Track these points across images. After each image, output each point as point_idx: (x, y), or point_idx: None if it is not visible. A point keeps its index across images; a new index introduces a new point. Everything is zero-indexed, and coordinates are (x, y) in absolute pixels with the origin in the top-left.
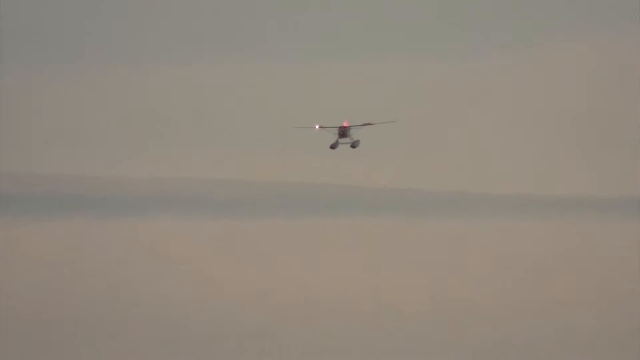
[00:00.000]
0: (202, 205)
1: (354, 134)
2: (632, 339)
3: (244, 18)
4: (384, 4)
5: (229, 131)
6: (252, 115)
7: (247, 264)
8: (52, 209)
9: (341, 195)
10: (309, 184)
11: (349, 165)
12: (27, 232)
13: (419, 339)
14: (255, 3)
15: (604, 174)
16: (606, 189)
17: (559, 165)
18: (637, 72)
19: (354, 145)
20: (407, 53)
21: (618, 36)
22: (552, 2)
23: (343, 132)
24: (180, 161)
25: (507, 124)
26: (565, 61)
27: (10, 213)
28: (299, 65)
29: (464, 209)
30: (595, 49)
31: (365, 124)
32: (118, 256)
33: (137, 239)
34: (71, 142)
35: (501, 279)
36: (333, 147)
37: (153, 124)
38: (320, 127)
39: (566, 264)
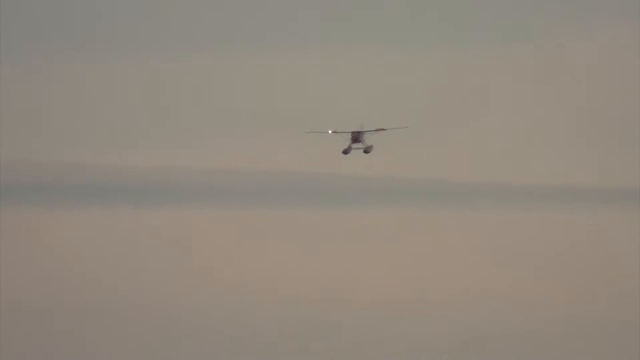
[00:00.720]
0: (204, 195)
1: (367, 139)
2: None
3: (254, 8)
4: (400, 2)
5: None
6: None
7: (251, 257)
8: (64, 198)
9: (351, 187)
10: (321, 175)
11: (357, 159)
12: (40, 221)
13: (424, 335)
14: None
15: (618, 165)
16: (620, 180)
17: (570, 156)
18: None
19: (367, 150)
20: (410, 50)
21: (619, 34)
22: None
23: (356, 137)
24: (196, 152)
25: (519, 118)
26: (576, 56)
27: (15, 202)
28: (305, 61)
29: (467, 199)
30: (598, 46)
31: (378, 130)
32: (128, 245)
33: (156, 228)
34: (80, 133)
35: (514, 271)
36: (346, 152)
37: (164, 115)
38: (333, 132)
39: (580, 254)
